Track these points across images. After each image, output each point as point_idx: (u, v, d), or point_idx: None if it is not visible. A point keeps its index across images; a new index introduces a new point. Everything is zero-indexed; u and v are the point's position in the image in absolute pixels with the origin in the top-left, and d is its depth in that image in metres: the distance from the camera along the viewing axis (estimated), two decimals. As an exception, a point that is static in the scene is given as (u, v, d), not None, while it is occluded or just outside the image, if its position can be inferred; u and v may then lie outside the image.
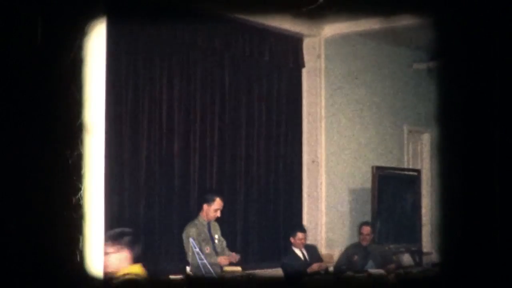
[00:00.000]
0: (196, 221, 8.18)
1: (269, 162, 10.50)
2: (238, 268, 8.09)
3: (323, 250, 10.35)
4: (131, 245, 4.64)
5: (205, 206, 8.16)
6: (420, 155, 12.92)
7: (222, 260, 8.12)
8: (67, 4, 3.97)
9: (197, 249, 7.57)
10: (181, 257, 8.32)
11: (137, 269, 4.61)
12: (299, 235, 9.36)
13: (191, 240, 7.67)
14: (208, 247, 8.09)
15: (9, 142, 3.88)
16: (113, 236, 4.59)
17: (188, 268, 7.81)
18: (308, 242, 9.70)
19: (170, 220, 9.18)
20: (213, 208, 8.13)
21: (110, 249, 4.49)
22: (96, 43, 3.99)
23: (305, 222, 10.72)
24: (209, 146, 9.75)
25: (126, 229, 4.80)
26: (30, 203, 3.90)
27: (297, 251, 9.31)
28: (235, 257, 8.17)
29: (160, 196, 9.18)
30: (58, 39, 3.94)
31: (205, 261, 7.53)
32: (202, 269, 7.54)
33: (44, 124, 3.92)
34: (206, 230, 8.18)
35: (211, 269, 7.51)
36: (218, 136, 9.85)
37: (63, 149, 3.91)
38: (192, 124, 9.57)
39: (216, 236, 8.28)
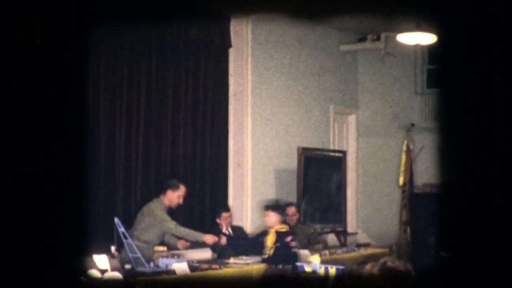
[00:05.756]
0: (160, 203, 8.39)
1: (194, 143, 10.43)
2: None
3: (248, 230, 10.36)
4: None
5: (169, 192, 8.45)
6: (346, 137, 13.03)
7: (180, 244, 8.54)
8: (66, 5, 4.06)
9: (122, 229, 7.52)
10: (106, 234, 8.28)
11: None
12: (224, 214, 9.39)
13: (116, 219, 7.60)
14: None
15: (9, 141, 3.94)
16: None
17: (113, 248, 7.75)
18: (234, 222, 9.70)
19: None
20: (177, 195, 8.47)
21: None
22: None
23: (230, 202, 10.72)
24: (135, 124, 9.64)
25: None
26: (30, 203, 3.96)
27: (224, 231, 9.29)
28: (186, 244, 8.61)
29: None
30: (58, 39, 4.03)
31: (130, 240, 7.49)
32: (127, 248, 7.50)
33: (44, 123, 3.99)
34: None
35: (136, 249, 7.45)
36: (144, 114, 9.74)
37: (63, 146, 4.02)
38: (118, 101, 9.44)
39: None
